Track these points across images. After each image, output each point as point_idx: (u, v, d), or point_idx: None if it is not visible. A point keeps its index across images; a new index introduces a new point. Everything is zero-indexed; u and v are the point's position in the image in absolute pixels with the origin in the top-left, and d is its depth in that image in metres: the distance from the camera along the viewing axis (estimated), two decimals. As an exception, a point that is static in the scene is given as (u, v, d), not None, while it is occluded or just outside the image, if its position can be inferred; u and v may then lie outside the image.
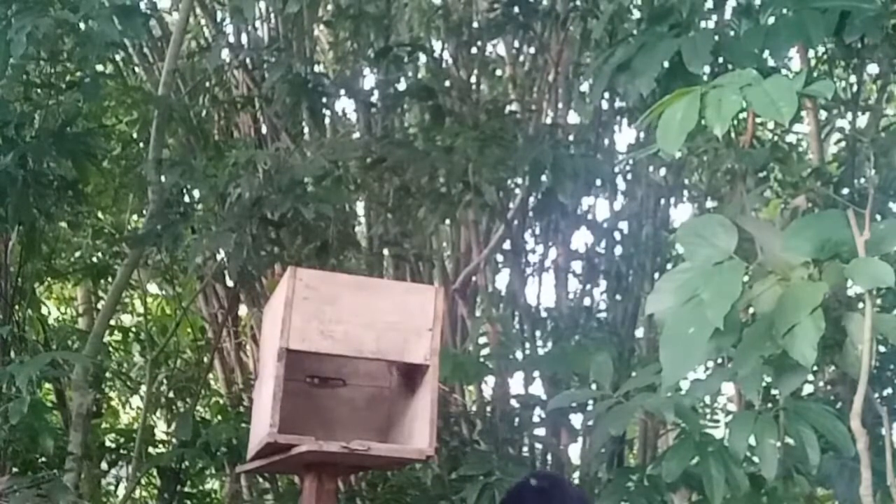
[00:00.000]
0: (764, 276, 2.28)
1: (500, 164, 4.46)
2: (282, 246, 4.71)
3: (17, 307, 5.11)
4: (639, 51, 3.08)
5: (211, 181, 4.43)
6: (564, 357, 4.17)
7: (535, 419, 4.48)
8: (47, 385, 5.64)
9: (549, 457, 4.73)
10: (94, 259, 6.00)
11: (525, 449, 4.72)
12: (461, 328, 5.35)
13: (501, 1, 5.01)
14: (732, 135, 3.46)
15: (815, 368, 3.06)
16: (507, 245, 5.25)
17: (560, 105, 5.43)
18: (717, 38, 3.06)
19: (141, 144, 5.54)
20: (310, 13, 5.37)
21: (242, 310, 6.09)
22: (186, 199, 5.11)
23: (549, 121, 5.41)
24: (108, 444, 6.06)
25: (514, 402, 4.70)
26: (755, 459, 2.73)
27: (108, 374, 6.19)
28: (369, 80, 5.56)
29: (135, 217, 5.98)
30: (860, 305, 2.23)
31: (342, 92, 5.51)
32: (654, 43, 3.05)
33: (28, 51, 3.89)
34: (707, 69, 2.97)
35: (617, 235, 5.04)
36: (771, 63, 2.85)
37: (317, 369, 2.37)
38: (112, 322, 6.03)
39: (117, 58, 5.58)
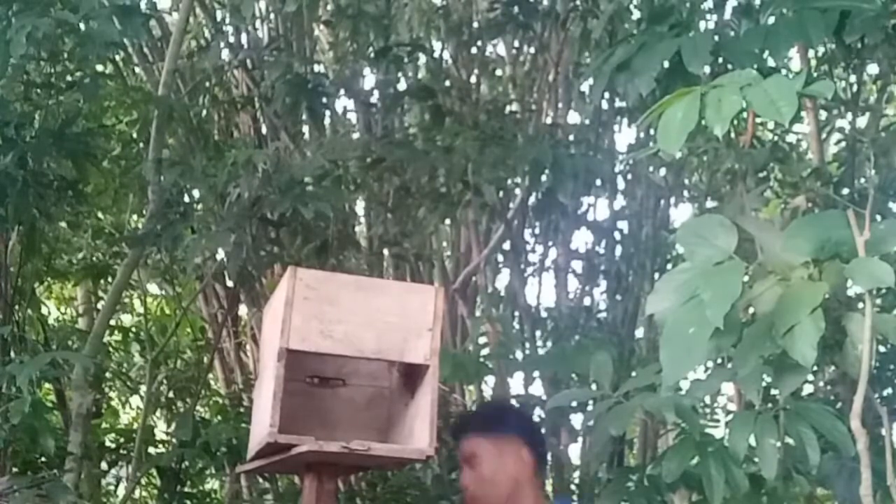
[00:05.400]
0: (764, 276, 2.28)
1: (500, 163, 4.46)
2: (282, 246, 4.71)
3: (17, 307, 5.11)
4: (639, 51, 3.08)
5: (210, 181, 4.43)
6: (564, 357, 4.17)
7: (535, 419, 4.47)
8: (47, 385, 5.63)
9: (549, 457, 4.73)
10: (94, 259, 5.99)
11: (525, 449, 4.71)
12: (461, 328, 5.35)
13: (501, 1, 5.01)
14: (732, 135, 3.47)
15: (815, 368, 3.06)
16: (507, 245, 5.25)
17: (560, 105, 5.43)
18: (717, 38, 3.06)
19: (141, 144, 5.54)
20: (309, 13, 5.37)
21: (242, 310, 6.09)
22: (186, 199, 5.11)
23: (549, 121, 5.41)
24: (108, 444, 6.06)
25: (514, 402, 4.70)
26: (755, 459, 2.73)
27: (108, 374, 6.19)
28: (369, 80, 5.57)
29: (135, 217, 5.98)
30: (860, 305, 2.23)
31: (342, 92, 5.51)
32: (654, 43, 3.05)
33: (28, 51, 3.88)
34: (707, 69, 2.97)
35: (617, 235, 5.04)
36: (771, 63, 2.85)
37: (317, 369, 2.37)
38: (112, 322, 6.03)
39: (117, 58, 5.58)
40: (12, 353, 4.71)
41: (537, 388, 4.69)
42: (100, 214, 6.04)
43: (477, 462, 2.40)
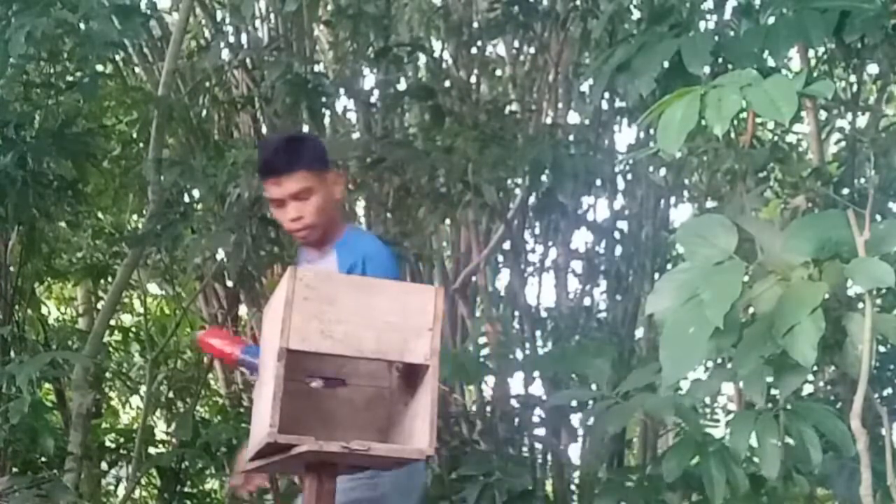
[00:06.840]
0: (764, 276, 2.27)
1: (500, 164, 4.45)
2: (282, 246, 4.71)
3: (17, 307, 5.11)
4: (639, 51, 3.08)
5: (210, 181, 4.43)
6: (564, 357, 4.17)
7: (535, 419, 4.47)
8: (47, 385, 5.64)
9: (549, 457, 4.73)
10: (94, 259, 6.00)
11: (525, 449, 4.72)
12: (461, 328, 5.34)
13: (501, 1, 5.01)
14: (732, 135, 3.46)
15: (815, 368, 3.06)
16: (507, 245, 5.25)
17: (560, 105, 5.43)
18: (717, 38, 3.06)
19: (141, 144, 5.54)
20: (309, 13, 5.37)
21: (242, 310, 6.09)
22: (186, 199, 5.11)
23: (549, 121, 5.41)
24: (108, 444, 6.06)
25: (514, 402, 4.70)
26: (755, 459, 2.73)
27: (108, 374, 6.19)
28: (369, 80, 5.56)
29: (135, 217, 5.98)
30: (860, 305, 2.23)
31: (342, 92, 5.51)
32: (654, 43, 3.05)
33: (28, 51, 3.89)
34: (707, 69, 2.97)
35: (617, 235, 5.04)
36: (771, 63, 2.85)
37: (317, 369, 2.37)
38: (112, 322, 6.03)
39: (117, 58, 5.58)
40: (12, 353, 4.71)
41: (537, 388, 4.69)
42: (100, 214, 6.04)
43: (309, 194, 2.68)
